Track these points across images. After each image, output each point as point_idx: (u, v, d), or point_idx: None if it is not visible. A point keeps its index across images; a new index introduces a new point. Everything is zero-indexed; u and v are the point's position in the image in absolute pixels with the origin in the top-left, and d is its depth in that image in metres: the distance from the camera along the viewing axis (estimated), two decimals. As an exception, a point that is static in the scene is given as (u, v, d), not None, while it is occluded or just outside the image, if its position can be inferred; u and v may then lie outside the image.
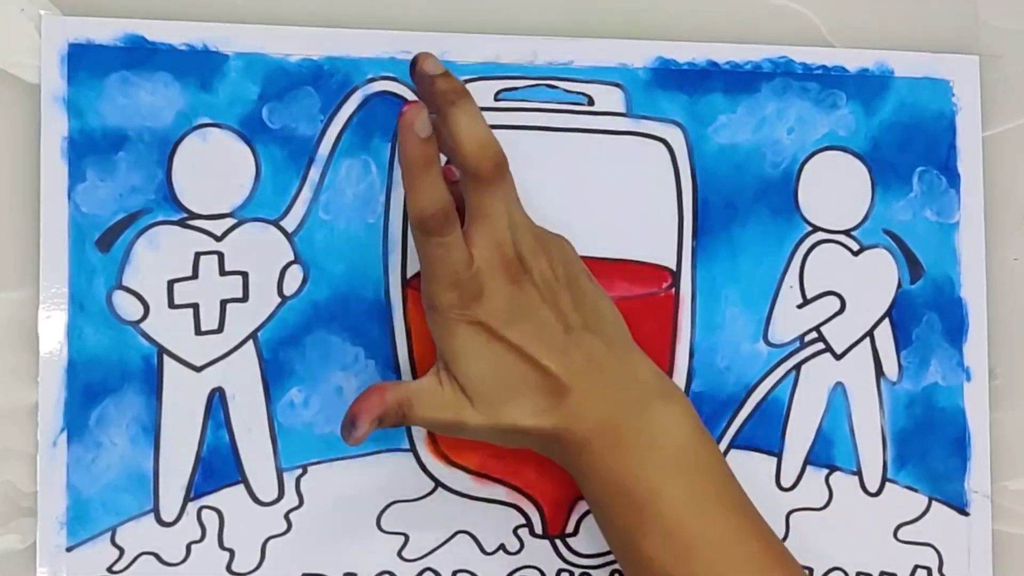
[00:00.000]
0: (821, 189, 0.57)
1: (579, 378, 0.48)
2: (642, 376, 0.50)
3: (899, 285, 0.58)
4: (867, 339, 0.57)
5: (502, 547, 0.54)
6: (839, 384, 0.57)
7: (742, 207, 0.56)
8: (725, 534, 0.47)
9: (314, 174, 0.53)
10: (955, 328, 0.58)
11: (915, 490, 0.57)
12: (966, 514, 0.57)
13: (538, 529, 0.55)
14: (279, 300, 0.53)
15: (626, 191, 0.55)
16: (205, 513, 0.52)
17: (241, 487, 0.52)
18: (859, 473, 0.57)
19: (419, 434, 0.54)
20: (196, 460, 0.52)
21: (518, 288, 0.47)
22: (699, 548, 0.46)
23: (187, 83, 0.53)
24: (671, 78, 0.56)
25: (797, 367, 0.57)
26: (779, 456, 0.56)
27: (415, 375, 0.53)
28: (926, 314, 0.58)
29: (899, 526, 0.57)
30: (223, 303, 0.53)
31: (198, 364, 0.52)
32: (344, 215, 0.54)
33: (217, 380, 0.53)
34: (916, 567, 0.57)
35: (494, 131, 0.55)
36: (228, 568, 0.52)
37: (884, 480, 0.57)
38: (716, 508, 0.47)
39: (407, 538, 0.54)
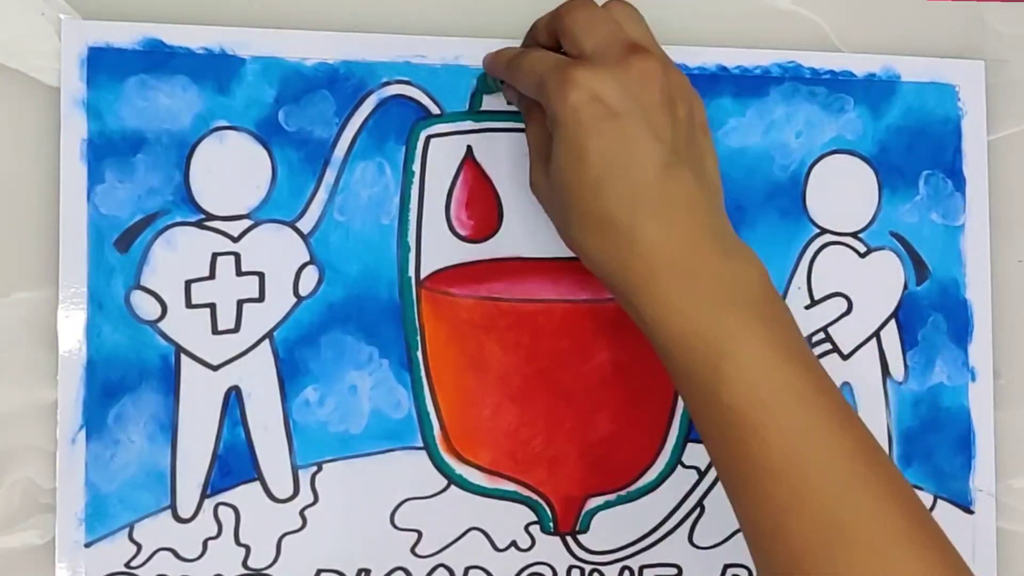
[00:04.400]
0: (829, 192, 0.58)
1: (663, 201, 0.45)
2: (726, 231, 0.47)
3: (905, 287, 0.58)
4: (874, 340, 0.58)
5: (514, 544, 0.55)
6: (846, 384, 0.58)
7: (751, 209, 0.57)
8: (807, 384, 0.44)
9: (329, 176, 0.54)
10: (960, 329, 0.59)
11: (921, 488, 0.58)
12: (971, 512, 0.58)
13: (549, 526, 0.55)
14: (295, 300, 0.54)
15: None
16: (221, 510, 0.53)
17: (257, 484, 0.53)
18: (865, 472, 0.57)
19: (433, 433, 0.54)
20: (213, 457, 0.53)
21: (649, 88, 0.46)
22: (782, 395, 0.43)
23: (204, 86, 0.53)
24: (681, 82, 0.57)
25: (805, 367, 0.57)
26: (787, 455, 0.57)
27: (429, 375, 0.54)
28: (932, 315, 0.58)
29: (905, 524, 0.58)
30: (240, 303, 0.53)
31: (215, 363, 0.53)
32: (359, 216, 0.54)
33: (233, 379, 0.53)
34: (921, 565, 0.58)
35: (507, 134, 0.55)
36: (244, 564, 0.53)
37: (890, 479, 0.58)
38: (798, 359, 0.44)
39: (420, 535, 0.54)
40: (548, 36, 0.50)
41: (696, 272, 0.45)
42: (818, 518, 0.43)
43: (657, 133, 0.45)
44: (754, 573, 0.57)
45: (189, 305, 0.53)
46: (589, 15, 0.48)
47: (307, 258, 0.54)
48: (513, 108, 0.55)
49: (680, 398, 0.56)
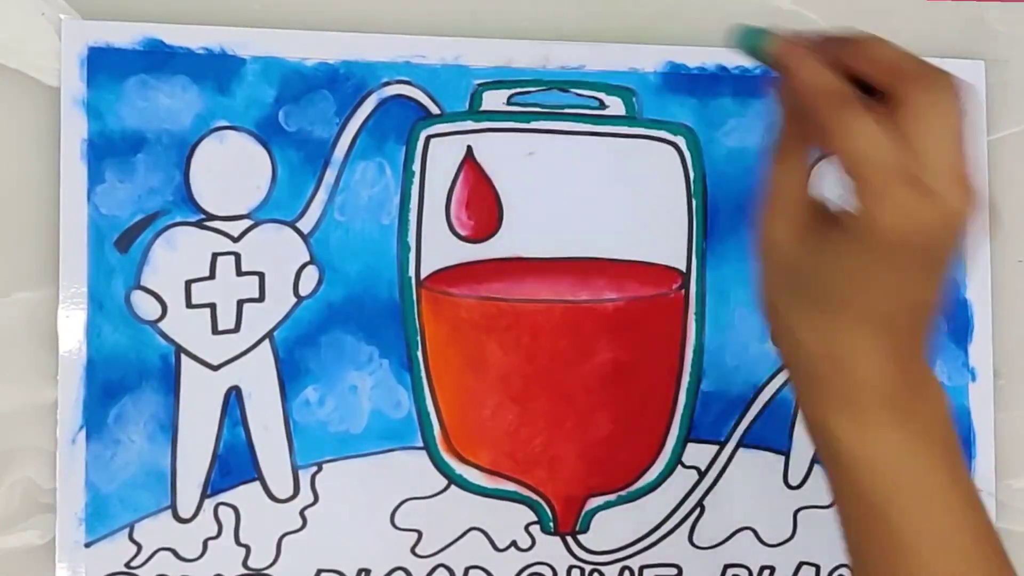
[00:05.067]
0: (828, 191, 0.58)
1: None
2: (927, 370, 0.45)
3: (905, 286, 0.58)
4: (874, 340, 0.58)
5: (514, 544, 0.55)
6: (846, 384, 0.58)
7: (751, 209, 0.57)
8: (974, 524, 0.43)
9: (329, 176, 0.54)
10: (960, 329, 0.59)
11: (921, 489, 0.58)
12: (971, 512, 0.58)
13: (549, 526, 0.55)
14: (295, 300, 0.54)
15: (637, 194, 0.56)
16: (222, 510, 0.53)
17: (257, 484, 0.53)
18: (865, 472, 0.57)
19: (433, 433, 0.54)
20: (213, 457, 0.53)
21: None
22: (950, 531, 0.42)
23: (205, 86, 0.53)
24: (681, 82, 0.57)
25: (805, 367, 0.57)
26: (787, 455, 0.57)
27: (429, 375, 0.54)
28: (932, 315, 0.58)
29: (905, 524, 0.58)
30: (240, 303, 0.53)
31: (215, 363, 0.53)
32: (359, 216, 0.54)
33: (234, 379, 0.53)
34: (921, 565, 0.58)
35: (507, 133, 0.55)
36: (244, 564, 0.53)
37: (890, 479, 0.57)
38: (975, 501, 0.44)
39: (420, 535, 0.54)
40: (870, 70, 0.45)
41: (904, 402, 0.43)
42: None
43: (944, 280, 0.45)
44: (754, 573, 0.57)
45: (189, 305, 0.53)
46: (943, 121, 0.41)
47: (307, 258, 0.54)
48: (514, 108, 0.55)
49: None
